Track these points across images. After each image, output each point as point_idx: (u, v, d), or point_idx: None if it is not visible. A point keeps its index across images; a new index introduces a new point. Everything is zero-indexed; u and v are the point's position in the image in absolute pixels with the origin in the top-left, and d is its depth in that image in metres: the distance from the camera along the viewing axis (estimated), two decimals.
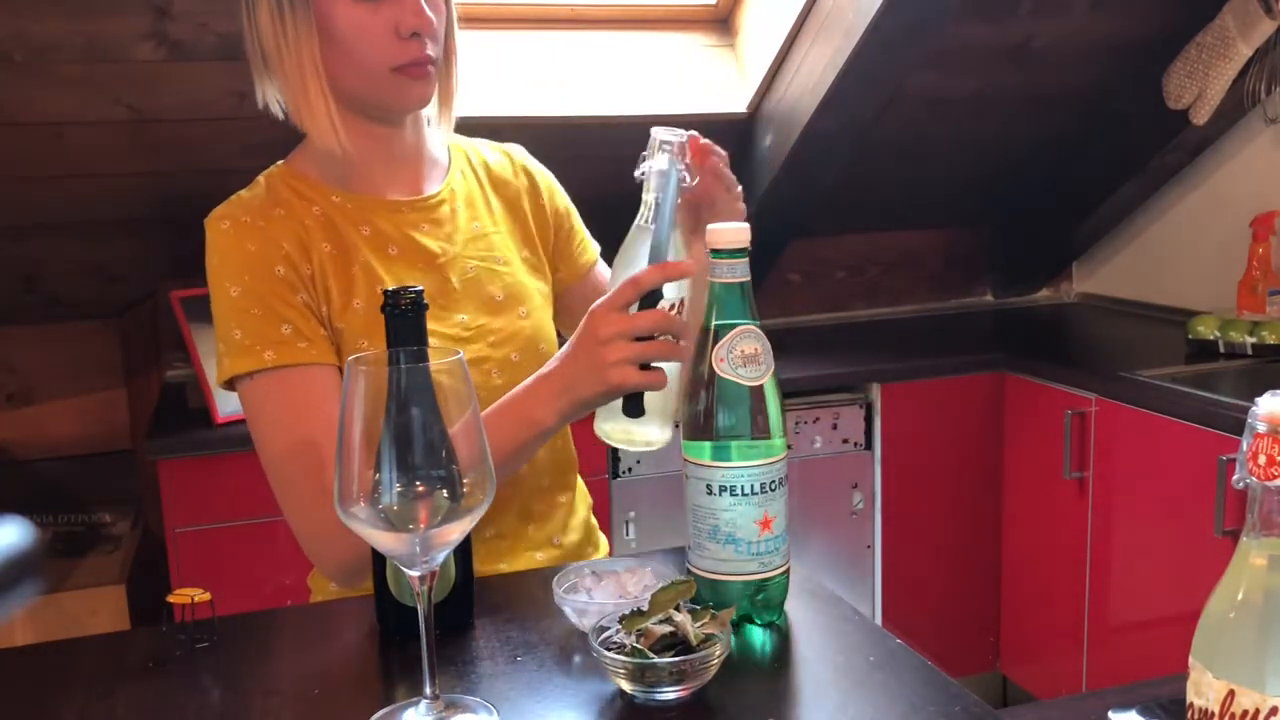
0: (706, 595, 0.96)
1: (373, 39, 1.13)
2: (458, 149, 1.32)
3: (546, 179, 1.36)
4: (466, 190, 1.28)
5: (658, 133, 1.06)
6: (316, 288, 1.16)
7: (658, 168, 1.04)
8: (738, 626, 0.96)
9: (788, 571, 0.98)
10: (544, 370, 1.09)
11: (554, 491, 1.29)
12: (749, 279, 0.95)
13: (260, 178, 1.22)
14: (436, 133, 1.29)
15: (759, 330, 0.95)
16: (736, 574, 0.95)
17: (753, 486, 0.93)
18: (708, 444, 0.95)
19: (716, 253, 0.94)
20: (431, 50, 1.16)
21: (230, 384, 1.15)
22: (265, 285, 1.13)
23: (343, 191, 1.21)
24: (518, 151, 1.37)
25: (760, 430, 0.94)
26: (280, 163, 1.24)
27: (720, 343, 0.94)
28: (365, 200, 1.21)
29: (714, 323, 0.95)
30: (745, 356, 0.94)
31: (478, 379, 1.18)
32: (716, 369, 0.94)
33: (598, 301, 1.03)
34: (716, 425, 0.94)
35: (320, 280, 1.16)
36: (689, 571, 0.98)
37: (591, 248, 1.39)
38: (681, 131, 1.07)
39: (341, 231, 1.19)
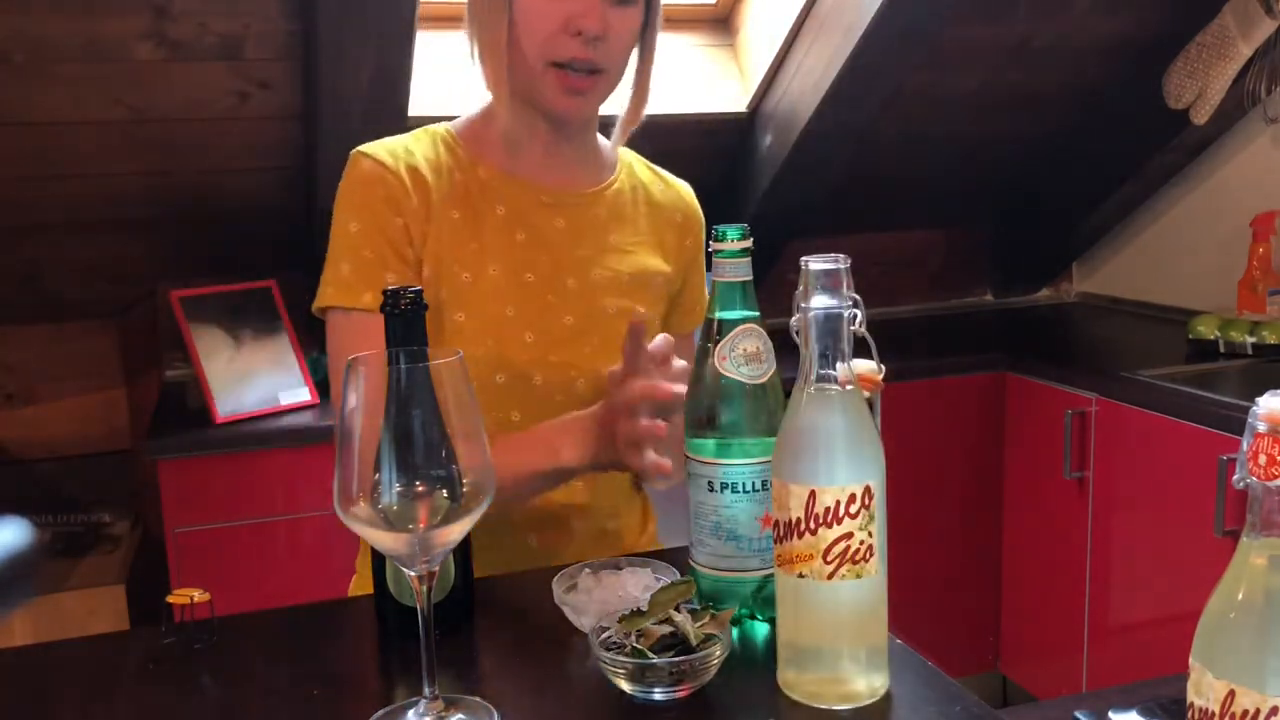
0: (708, 592, 0.96)
1: (541, 27, 1.12)
2: (625, 161, 1.31)
3: (699, 229, 1.33)
4: (620, 202, 1.27)
5: (811, 262, 0.84)
6: (427, 251, 1.17)
7: (816, 308, 0.84)
8: (739, 624, 0.96)
9: None
10: (580, 416, 1.11)
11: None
12: (751, 278, 0.96)
13: (422, 131, 1.23)
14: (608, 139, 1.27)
15: (761, 329, 0.95)
16: (738, 570, 0.95)
17: (754, 483, 0.93)
18: (710, 441, 0.95)
19: (719, 252, 0.95)
20: (599, 59, 1.13)
21: (322, 311, 1.18)
22: (384, 232, 1.16)
23: (491, 167, 1.21)
24: (685, 190, 1.34)
25: (762, 428, 0.94)
26: (452, 122, 1.24)
27: (722, 341, 0.94)
28: (512, 181, 1.21)
29: (716, 321, 0.95)
30: (747, 355, 0.94)
31: (563, 382, 1.19)
32: (719, 367, 0.94)
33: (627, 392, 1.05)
34: (718, 422, 0.94)
35: (434, 246, 1.17)
36: (691, 568, 0.98)
37: (699, 313, 1.32)
38: (841, 257, 0.86)
39: (476, 205, 1.19)
